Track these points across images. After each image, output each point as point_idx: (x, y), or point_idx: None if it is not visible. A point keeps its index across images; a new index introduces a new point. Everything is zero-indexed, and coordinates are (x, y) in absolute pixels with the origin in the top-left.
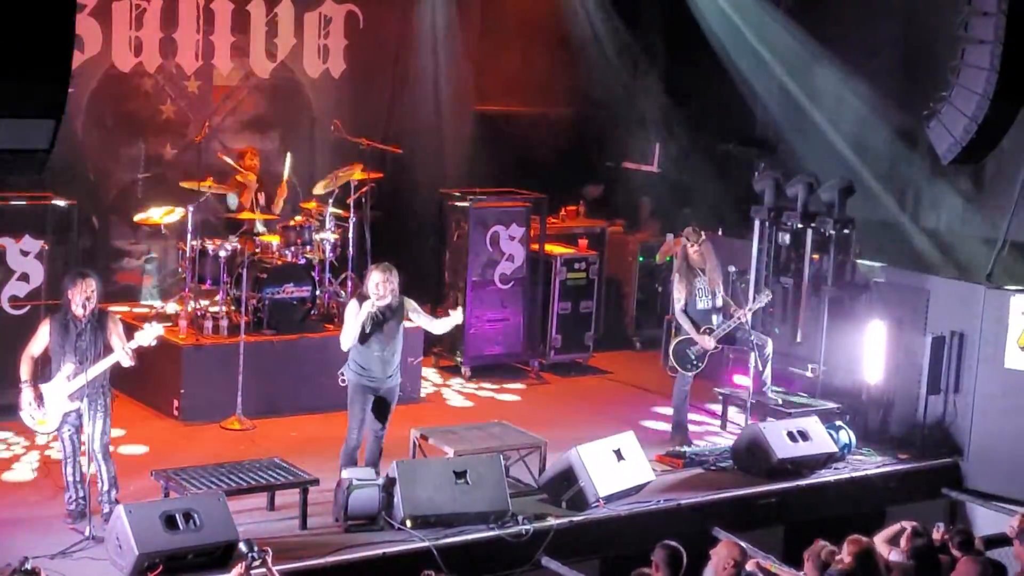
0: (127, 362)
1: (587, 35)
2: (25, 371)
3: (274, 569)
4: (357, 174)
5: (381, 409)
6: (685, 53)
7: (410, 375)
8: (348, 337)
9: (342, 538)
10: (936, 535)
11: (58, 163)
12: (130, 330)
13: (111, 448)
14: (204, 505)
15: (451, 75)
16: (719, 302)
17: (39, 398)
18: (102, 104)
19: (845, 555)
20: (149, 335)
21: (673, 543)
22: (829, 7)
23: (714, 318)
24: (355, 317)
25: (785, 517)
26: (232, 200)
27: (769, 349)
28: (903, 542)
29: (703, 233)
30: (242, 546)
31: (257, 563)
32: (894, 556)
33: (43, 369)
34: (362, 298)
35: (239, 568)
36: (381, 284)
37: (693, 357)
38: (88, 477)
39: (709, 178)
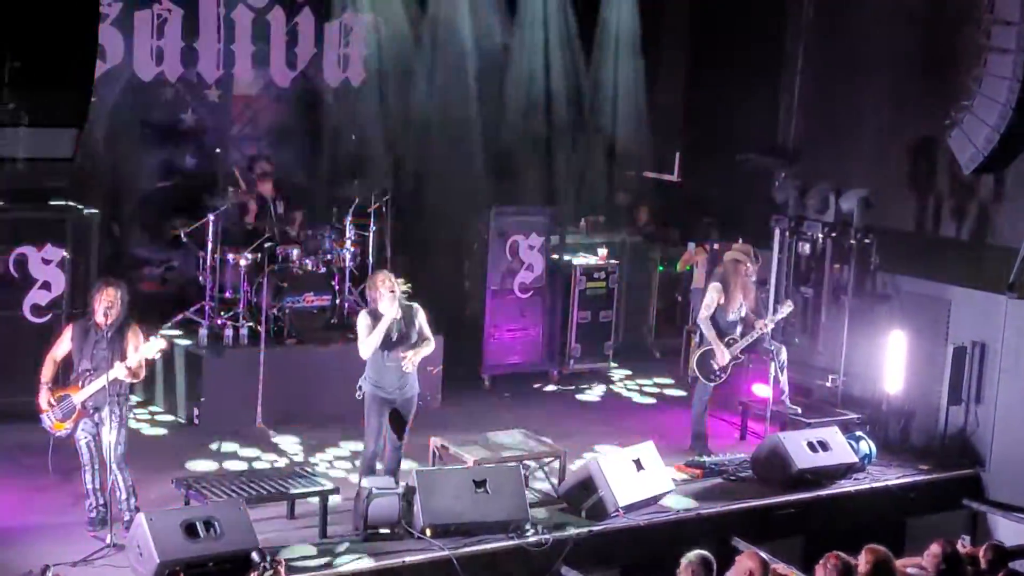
0: (123, 376)
1: (609, 44)
2: (46, 373)
3: None
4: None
5: (398, 422)
6: (707, 61)
7: (430, 384)
8: (369, 345)
9: (362, 547)
10: (962, 549)
11: (80, 172)
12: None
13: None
14: (225, 513)
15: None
16: (743, 313)
17: (58, 400)
18: (124, 113)
19: (862, 564)
20: (153, 348)
21: (701, 551)
22: (850, 15)
23: (738, 329)
24: (367, 328)
25: (805, 527)
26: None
27: (783, 356)
28: (926, 558)
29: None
30: (254, 555)
31: (269, 574)
32: (913, 572)
33: (65, 375)
34: (372, 313)
35: None
36: (385, 280)
37: (716, 368)
38: (108, 484)
39: (730, 187)
